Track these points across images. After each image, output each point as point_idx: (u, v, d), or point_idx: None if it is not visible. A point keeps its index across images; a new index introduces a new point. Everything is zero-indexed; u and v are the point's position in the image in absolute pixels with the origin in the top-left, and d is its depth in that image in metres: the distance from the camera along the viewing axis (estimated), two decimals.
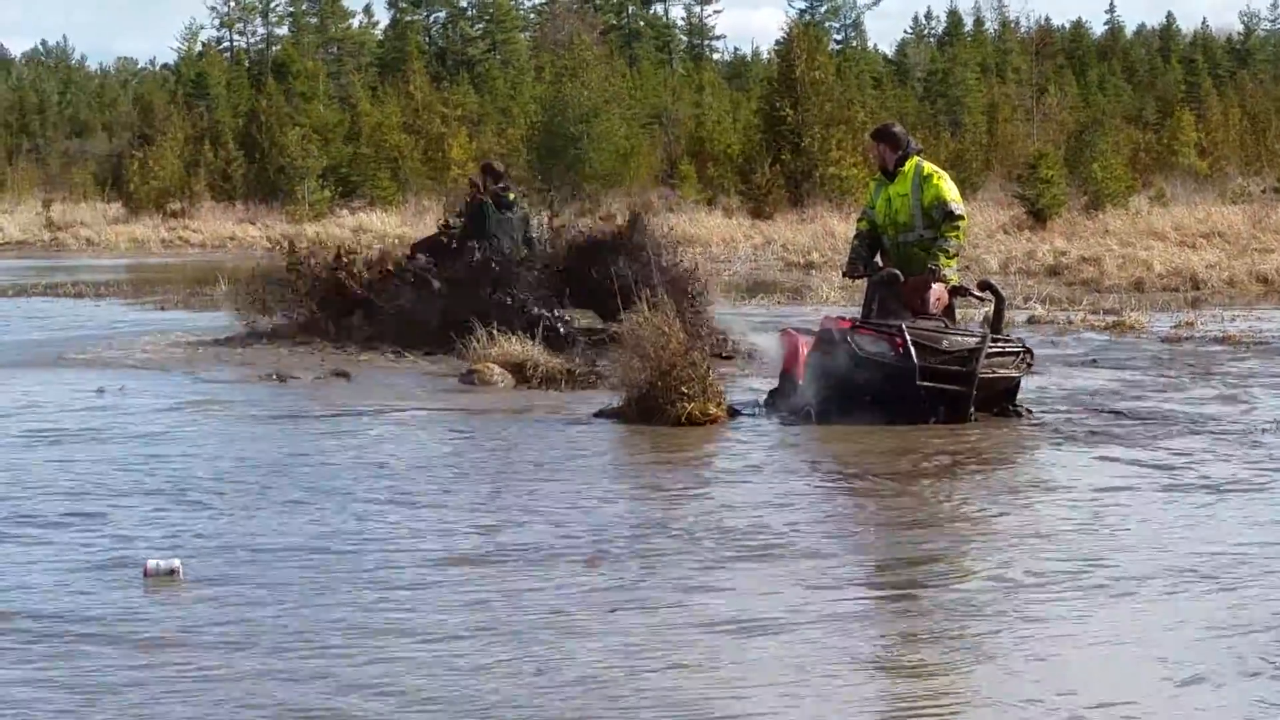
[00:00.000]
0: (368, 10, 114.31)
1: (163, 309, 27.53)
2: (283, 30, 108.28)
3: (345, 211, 62.79)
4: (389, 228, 55.50)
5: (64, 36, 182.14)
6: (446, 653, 7.38)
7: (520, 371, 17.43)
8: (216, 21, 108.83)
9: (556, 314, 19.53)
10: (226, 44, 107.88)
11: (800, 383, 14.50)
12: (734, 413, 14.32)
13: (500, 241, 20.34)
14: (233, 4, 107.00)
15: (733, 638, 7.59)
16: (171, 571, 8.63)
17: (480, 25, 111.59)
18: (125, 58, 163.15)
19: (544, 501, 10.77)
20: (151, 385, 17.19)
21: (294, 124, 68.03)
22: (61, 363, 19.16)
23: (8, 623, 7.89)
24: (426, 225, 53.67)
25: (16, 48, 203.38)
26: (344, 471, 12.00)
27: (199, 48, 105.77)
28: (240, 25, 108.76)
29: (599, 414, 14.37)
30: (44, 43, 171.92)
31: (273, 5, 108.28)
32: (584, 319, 20.01)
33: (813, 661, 7.21)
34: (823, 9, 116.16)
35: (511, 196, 20.84)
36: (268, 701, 6.76)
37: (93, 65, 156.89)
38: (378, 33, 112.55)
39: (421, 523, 10.11)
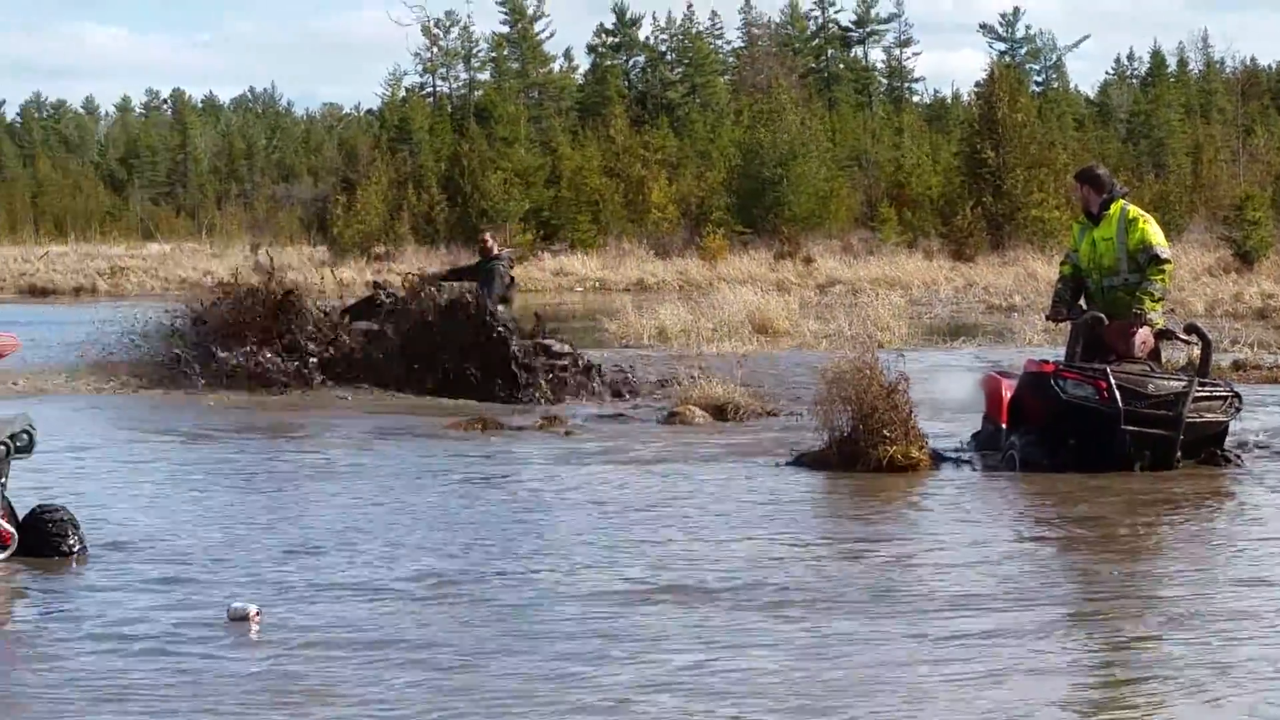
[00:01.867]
0: (568, 55, 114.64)
1: None
2: (485, 75, 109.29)
3: (546, 255, 63.25)
4: (590, 271, 55.83)
5: (271, 83, 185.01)
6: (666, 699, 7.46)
7: (721, 413, 17.53)
8: (420, 67, 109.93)
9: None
10: (429, 89, 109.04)
11: (1003, 427, 14.43)
12: (937, 457, 14.26)
13: (512, 303, 22.04)
14: (436, 50, 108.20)
15: (943, 687, 7.57)
16: (245, 617, 8.71)
17: (679, 69, 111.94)
18: (330, 104, 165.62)
19: (743, 546, 10.80)
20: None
21: (496, 168, 68.66)
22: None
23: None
24: (627, 269, 54.09)
25: (225, 94, 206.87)
26: (559, 512, 12.14)
27: (402, 93, 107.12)
28: (443, 71, 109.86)
29: (799, 459, 14.36)
30: (252, 89, 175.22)
31: (475, 51, 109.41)
32: (558, 344, 21.27)
33: (1023, 712, 7.18)
34: (1023, 50, 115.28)
35: (514, 261, 22.17)
36: None
37: (299, 111, 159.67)
38: (578, 77, 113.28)
39: (628, 565, 10.19)
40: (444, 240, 67.71)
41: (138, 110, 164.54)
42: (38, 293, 54.91)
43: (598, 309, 35.56)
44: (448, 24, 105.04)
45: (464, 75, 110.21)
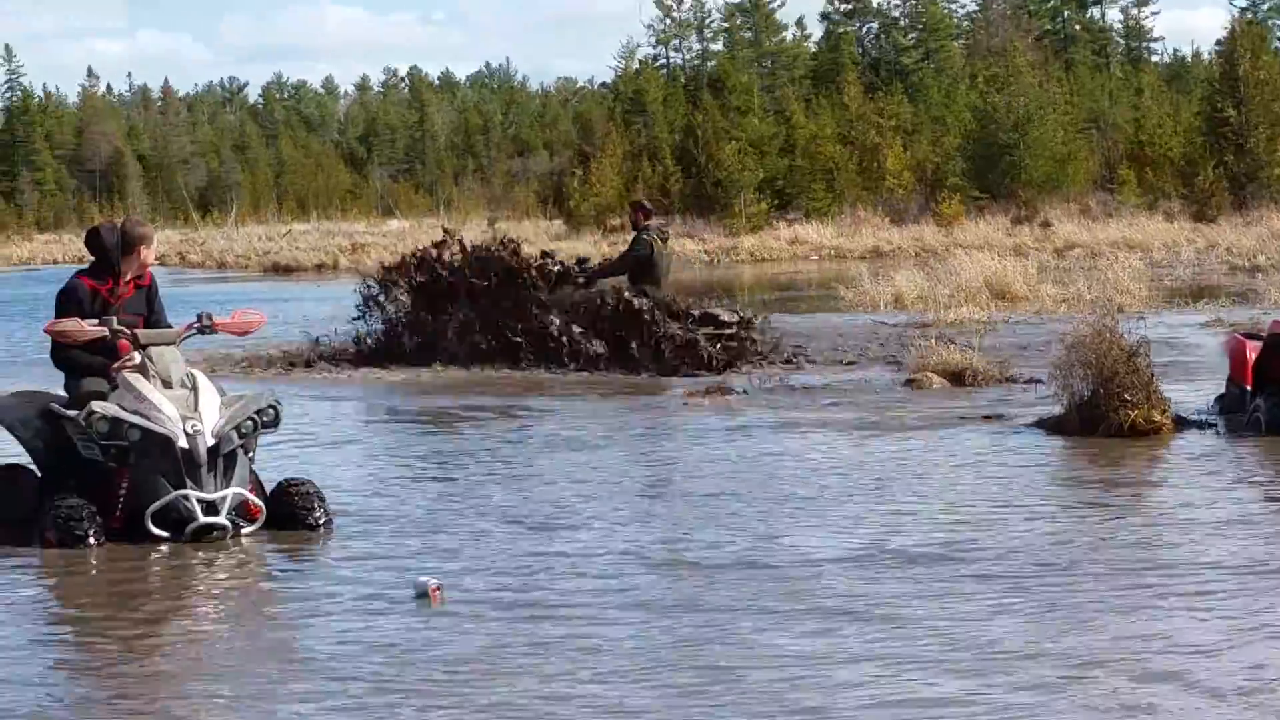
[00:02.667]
0: (800, 23, 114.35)
1: None
2: (718, 46, 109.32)
3: (781, 224, 63.13)
4: (825, 239, 55.65)
5: (506, 59, 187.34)
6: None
7: (958, 378, 17.44)
8: (653, 39, 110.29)
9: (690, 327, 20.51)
10: (663, 61, 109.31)
11: (1248, 389, 14.19)
12: (1180, 421, 14.04)
13: (663, 275, 21.15)
14: (669, 22, 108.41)
15: (1189, 652, 7.48)
16: (424, 594, 8.77)
17: (913, 35, 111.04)
18: (565, 77, 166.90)
19: (984, 511, 10.74)
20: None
21: (730, 138, 68.55)
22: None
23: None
24: (862, 236, 53.85)
25: (461, 71, 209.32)
26: (795, 478, 12.16)
27: (636, 65, 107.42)
28: (676, 42, 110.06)
29: (1039, 422, 14.28)
30: (488, 65, 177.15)
31: (708, 21, 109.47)
32: (727, 313, 21.00)
33: (1271, 675, 7.07)
34: (1265, 6, 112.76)
35: (667, 232, 21.66)
36: None
37: (534, 86, 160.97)
38: (811, 45, 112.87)
39: (865, 529, 10.19)
40: (679, 211, 67.85)
41: (376, 89, 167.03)
42: (281, 270, 55.94)
43: (833, 277, 35.43)
44: None
45: (697, 46, 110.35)
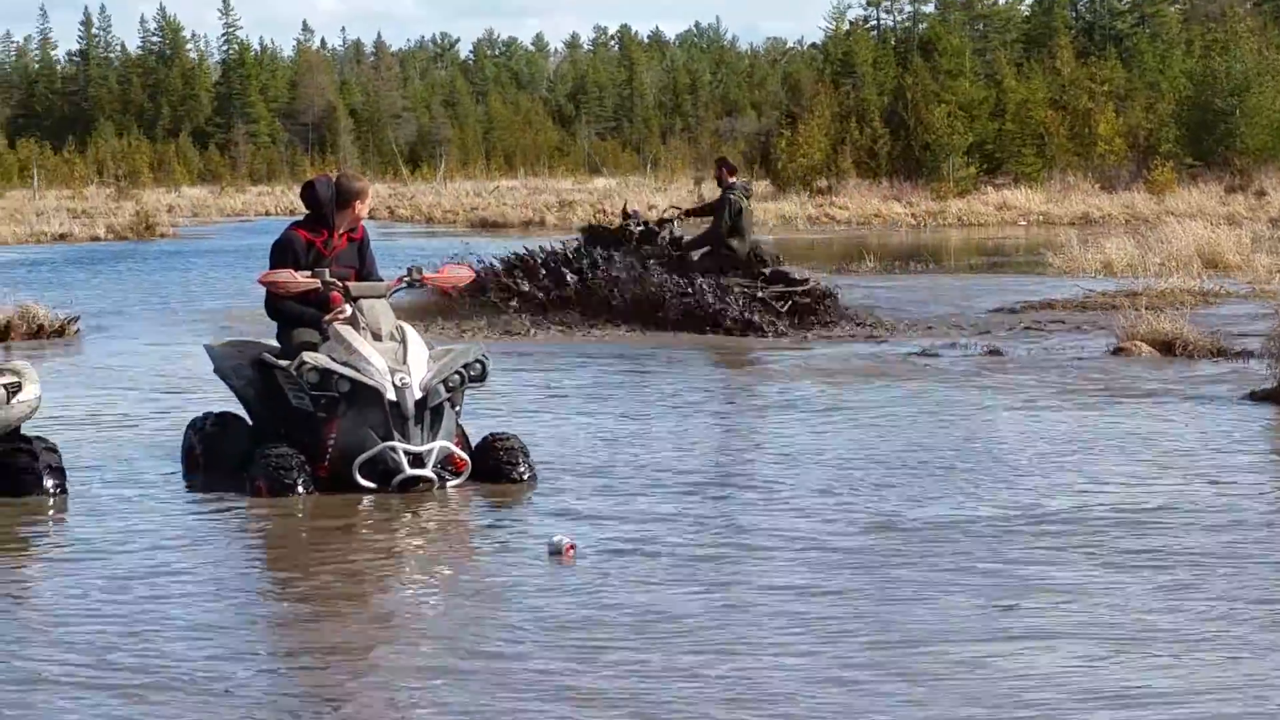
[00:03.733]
0: None
1: None
2: (929, 8, 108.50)
3: (990, 188, 62.56)
4: (1034, 204, 55.07)
5: (716, 18, 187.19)
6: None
7: (1168, 348, 17.20)
8: (864, 1, 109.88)
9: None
10: (874, 22, 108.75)
11: None
12: None
13: (748, 235, 21.25)
14: None
15: None
16: (558, 551, 8.81)
17: None
18: (774, 38, 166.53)
19: (1193, 483, 10.61)
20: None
21: (940, 101, 68.01)
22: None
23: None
24: (1071, 203, 53.22)
25: (671, 30, 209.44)
26: (999, 446, 12.06)
27: (846, 26, 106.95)
28: (887, 4, 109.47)
29: (1251, 394, 14.07)
30: (697, 24, 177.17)
31: None
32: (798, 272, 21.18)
33: None
34: None
35: (750, 189, 21.78)
36: None
37: (743, 46, 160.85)
38: (1024, 8, 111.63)
39: (1069, 500, 10.11)
40: (886, 174, 67.48)
41: (586, 47, 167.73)
42: (488, 226, 56.32)
43: (1041, 243, 35.11)
44: None
45: (908, 8, 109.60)
